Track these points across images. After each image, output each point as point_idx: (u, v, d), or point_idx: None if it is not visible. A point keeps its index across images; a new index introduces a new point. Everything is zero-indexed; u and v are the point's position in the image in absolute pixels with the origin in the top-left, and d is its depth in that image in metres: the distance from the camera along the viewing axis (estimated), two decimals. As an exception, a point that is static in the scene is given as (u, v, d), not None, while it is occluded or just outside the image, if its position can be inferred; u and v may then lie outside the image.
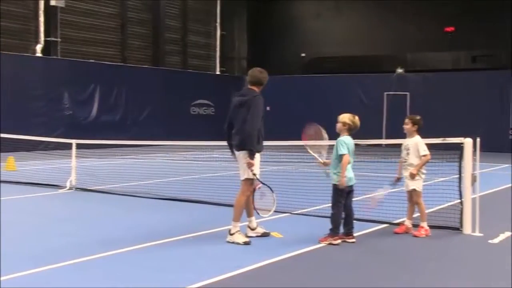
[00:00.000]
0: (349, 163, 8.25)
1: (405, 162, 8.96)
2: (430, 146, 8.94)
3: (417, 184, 8.86)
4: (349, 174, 8.26)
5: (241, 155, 8.26)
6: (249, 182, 8.28)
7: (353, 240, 8.29)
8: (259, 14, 35.74)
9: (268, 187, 8.41)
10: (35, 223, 9.86)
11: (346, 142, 8.26)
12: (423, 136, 9.06)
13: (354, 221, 8.45)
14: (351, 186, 8.35)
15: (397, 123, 27.34)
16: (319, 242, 8.17)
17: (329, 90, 30.47)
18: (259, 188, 8.33)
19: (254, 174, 8.23)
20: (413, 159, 8.84)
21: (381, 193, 9.08)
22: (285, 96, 30.52)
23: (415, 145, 8.85)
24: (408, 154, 8.91)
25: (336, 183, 8.22)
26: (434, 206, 10.19)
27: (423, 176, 8.93)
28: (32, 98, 24.46)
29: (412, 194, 8.93)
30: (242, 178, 8.32)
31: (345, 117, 8.40)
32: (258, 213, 8.47)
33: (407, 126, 9.04)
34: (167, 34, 32.27)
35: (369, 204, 9.01)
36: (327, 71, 32.06)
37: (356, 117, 8.44)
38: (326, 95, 30.17)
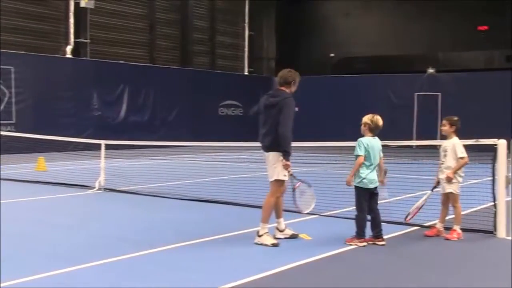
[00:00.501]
0: (371, 165, 8.14)
1: (442, 164, 8.78)
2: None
3: (453, 187, 8.66)
4: (370, 177, 8.16)
5: (271, 156, 8.21)
6: (279, 183, 8.23)
7: (383, 242, 8.18)
8: (288, 14, 35.62)
9: (306, 183, 8.41)
10: (65, 223, 9.88)
11: (364, 142, 8.19)
12: (456, 137, 8.89)
13: (384, 223, 8.34)
14: (374, 189, 8.24)
15: (428, 124, 27.21)
16: (345, 242, 8.14)
17: (358, 90, 30.18)
18: (298, 187, 8.33)
19: (292, 175, 8.24)
20: (451, 161, 8.65)
21: (424, 199, 8.94)
22: (313, 96, 30.27)
23: (453, 147, 8.65)
24: (445, 156, 8.72)
25: (357, 184, 8.17)
26: (466, 209, 9.97)
27: (460, 179, 8.71)
28: (62, 99, 24.67)
29: (449, 197, 8.74)
30: (271, 179, 8.25)
31: (365, 118, 8.36)
32: (301, 212, 8.50)
33: (445, 127, 8.86)
34: (195, 35, 32.31)
35: (412, 213, 8.93)
36: (356, 71, 31.80)
37: (376, 117, 8.33)
38: (355, 96, 29.87)
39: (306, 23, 35.04)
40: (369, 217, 8.30)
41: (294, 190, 8.37)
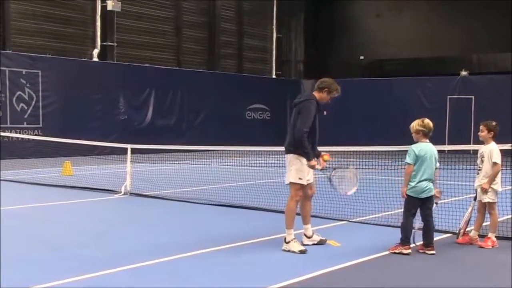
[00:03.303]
0: (422, 173, 7.83)
1: (479, 170, 8.48)
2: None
3: (491, 196, 8.38)
4: (422, 185, 7.86)
5: (287, 158, 8.13)
6: (296, 186, 8.08)
7: (433, 252, 7.91)
8: (317, 16, 35.33)
9: (343, 167, 8.31)
10: (93, 227, 9.89)
11: (416, 150, 7.90)
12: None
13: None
14: (428, 198, 7.95)
15: (461, 128, 26.54)
16: (389, 251, 7.91)
17: (389, 93, 29.65)
18: (333, 176, 8.16)
19: (322, 169, 8.08)
20: (488, 168, 8.35)
21: (469, 211, 8.66)
22: (343, 100, 29.61)
23: (490, 153, 8.35)
24: (482, 162, 8.42)
25: (407, 192, 7.92)
26: (501, 216, 9.62)
27: (494, 187, 8.37)
28: (88, 103, 24.69)
29: (485, 204, 8.45)
30: (287, 182, 8.16)
31: (415, 125, 8.04)
32: (346, 194, 8.30)
33: (482, 133, 8.53)
34: (222, 38, 32.20)
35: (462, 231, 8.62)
36: (386, 73, 31.36)
37: (426, 120, 8.04)
38: (386, 99, 29.40)
39: (335, 25, 34.69)
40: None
41: (330, 180, 8.18)
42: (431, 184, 7.94)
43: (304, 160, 7.97)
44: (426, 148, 7.94)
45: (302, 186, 8.09)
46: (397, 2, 33.30)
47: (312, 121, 7.95)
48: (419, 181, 7.85)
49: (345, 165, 8.38)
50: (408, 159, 7.88)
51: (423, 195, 7.88)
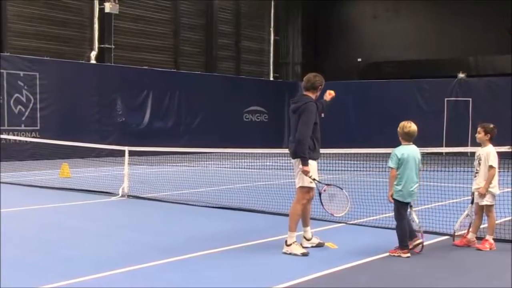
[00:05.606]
0: (406, 177, 7.83)
1: (476, 172, 8.48)
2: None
3: (488, 199, 8.38)
4: (408, 189, 7.87)
5: (297, 162, 8.09)
6: (305, 190, 8.08)
7: (420, 240, 7.93)
8: (314, 18, 35.33)
9: (336, 186, 8.19)
10: (89, 230, 9.86)
11: (398, 153, 7.90)
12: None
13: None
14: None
15: (458, 130, 26.52)
16: (389, 253, 7.90)
17: (386, 96, 29.62)
18: (324, 191, 8.11)
19: (314, 179, 8.04)
20: (485, 170, 8.36)
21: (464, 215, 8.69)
22: (340, 102, 29.67)
23: (487, 155, 8.35)
24: (479, 164, 8.43)
25: (394, 197, 7.92)
26: (499, 218, 9.65)
27: (492, 190, 8.37)
28: (86, 105, 24.69)
29: (483, 207, 8.45)
30: (297, 186, 8.12)
31: (398, 128, 8.06)
32: (333, 215, 8.28)
33: (480, 135, 8.54)
34: (219, 40, 32.21)
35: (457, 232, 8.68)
36: (384, 76, 31.35)
37: (405, 123, 8.01)
38: (383, 102, 29.38)
39: (332, 27, 34.71)
40: None
41: (320, 194, 8.15)
42: (416, 187, 7.95)
43: (313, 164, 8.00)
44: (408, 151, 7.94)
45: (309, 190, 8.10)
46: (395, 4, 33.31)
47: (314, 123, 7.96)
48: (404, 185, 7.86)
49: (339, 185, 8.29)
50: (390, 163, 7.90)
51: (410, 199, 7.91)
